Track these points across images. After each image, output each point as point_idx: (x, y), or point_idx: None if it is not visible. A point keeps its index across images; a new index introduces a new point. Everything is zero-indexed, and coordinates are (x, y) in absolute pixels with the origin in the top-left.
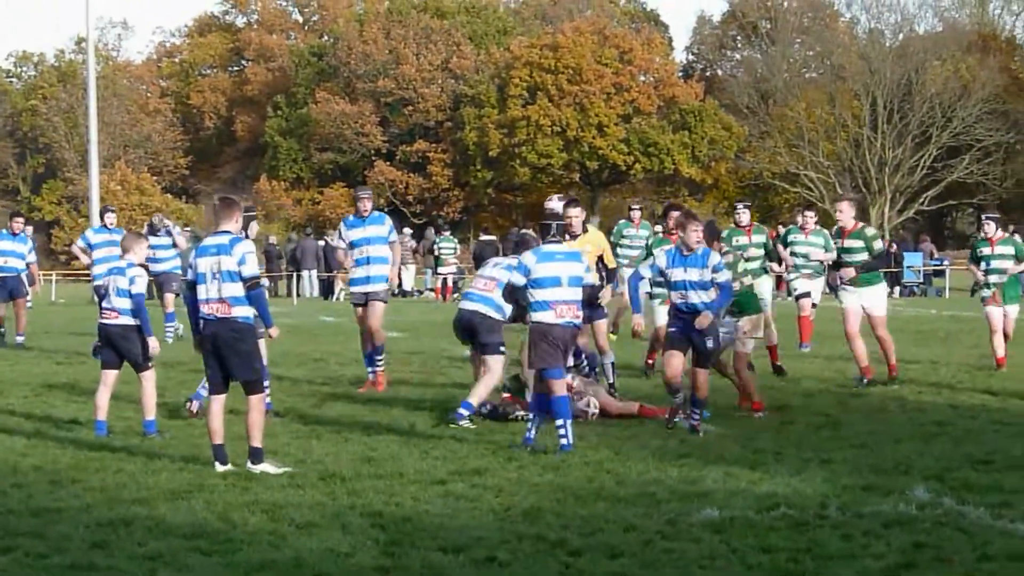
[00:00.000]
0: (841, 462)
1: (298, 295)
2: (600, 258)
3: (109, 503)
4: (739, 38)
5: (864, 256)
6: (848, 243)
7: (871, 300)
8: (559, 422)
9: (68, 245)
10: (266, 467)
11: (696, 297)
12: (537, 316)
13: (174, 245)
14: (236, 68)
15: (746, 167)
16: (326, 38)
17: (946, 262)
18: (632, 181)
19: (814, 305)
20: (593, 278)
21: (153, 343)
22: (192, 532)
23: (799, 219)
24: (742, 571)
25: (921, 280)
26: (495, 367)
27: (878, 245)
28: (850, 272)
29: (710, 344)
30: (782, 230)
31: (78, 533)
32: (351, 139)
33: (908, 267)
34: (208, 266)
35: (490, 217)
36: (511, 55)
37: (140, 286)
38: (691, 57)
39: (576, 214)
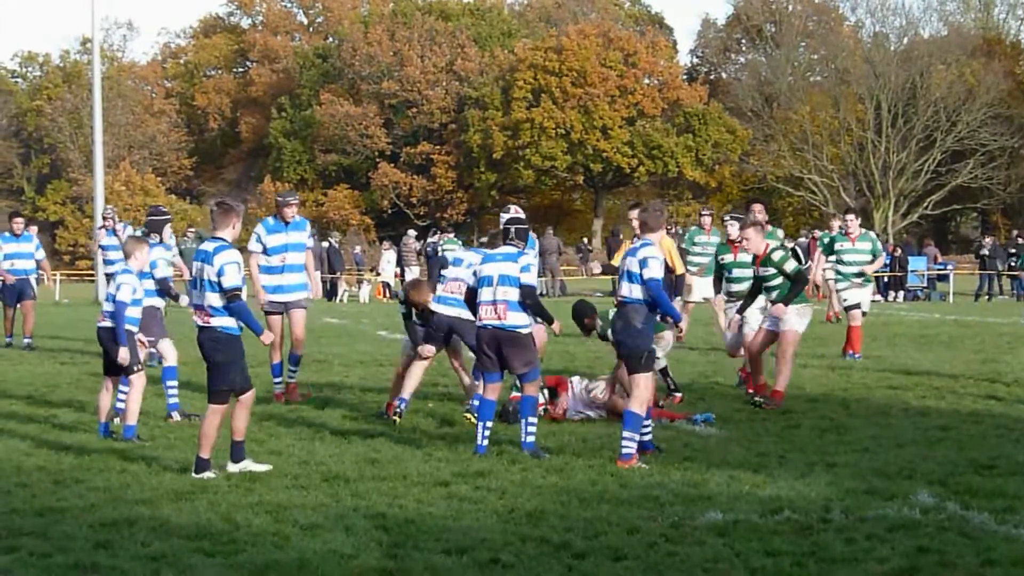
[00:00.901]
0: (845, 466)
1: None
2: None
3: (113, 503)
4: (743, 41)
5: (779, 281)
6: (761, 271)
7: (790, 317)
8: (531, 416)
9: (72, 246)
10: (207, 474)
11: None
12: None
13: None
14: (241, 69)
15: (750, 170)
16: (331, 40)
17: (950, 266)
18: (636, 184)
19: (864, 314)
20: (531, 279)
21: (122, 353)
22: (196, 533)
23: (839, 224)
24: (746, 575)
25: (925, 284)
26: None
27: (790, 266)
28: (781, 309)
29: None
30: (818, 234)
31: (81, 533)
32: (355, 141)
33: (912, 271)
34: (196, 272)
35: (494, 219)
36: (515, 57)
37: (123, 293)
38: (695, 60)
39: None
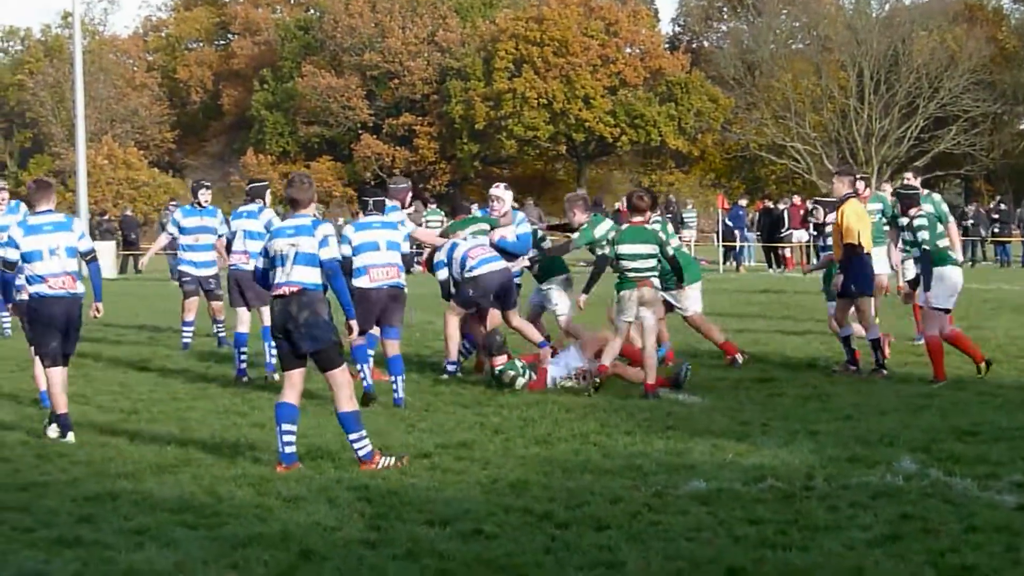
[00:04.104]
0: (828, 434)
1: None
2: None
3: (96, 477)
4: (725, 9)
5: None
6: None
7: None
8: (399, 376)
9: None
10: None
11: None
12: (356, 282)
13: None
14: (222, 42)
15: (732, 139)
16: (312, 12)
17: None
18: (619, 153)
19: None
20: (405, 247)
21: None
22: (179, 506)
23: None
24: (729, 543)
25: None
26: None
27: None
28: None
29: None
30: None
31: (64, 507)
32: (337, 112)
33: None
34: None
35: (477, 190)
36: (497, 28)
37: None
38: (677, 29)
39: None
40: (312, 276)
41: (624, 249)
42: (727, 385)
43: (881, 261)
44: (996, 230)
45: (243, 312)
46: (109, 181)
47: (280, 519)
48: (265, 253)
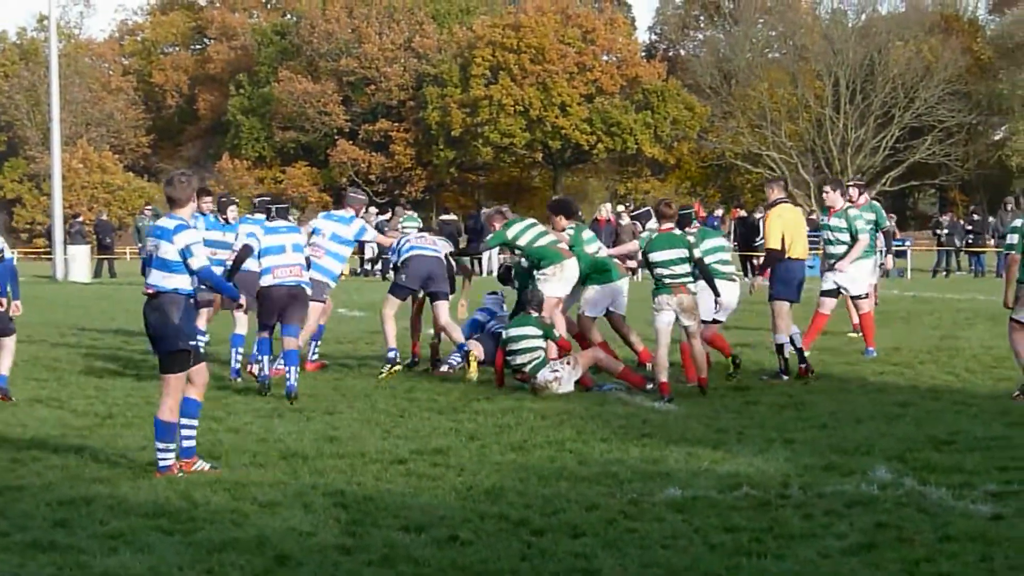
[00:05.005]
0: (803, 442)
1: None
2: None
3: (71, 481)
4: (702, 18)
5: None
6: None
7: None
8: (290, 368)
9: (30, 223)
10: None
11: None
12: (262, 280)
13: None
14: (198, 46)
15: (708, 147)
16: (289, 17)
17: (908, 243)
18: (595, 161)
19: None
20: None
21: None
22: (154, 511)
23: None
24: (704, 551)
25: (883, 261)
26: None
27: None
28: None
29: None
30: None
31: (39, 511)
32: (314, 118)
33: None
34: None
35: (452, 196)
36: (474, 34)
37: None
38: (654, 37)
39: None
40: (165, 280)
41: (656, 256)
42: (704, 393)
43: (869, 271)
44: (970, 240)
45: (241, 316)
46: (84, 185)
47: (255, 524)
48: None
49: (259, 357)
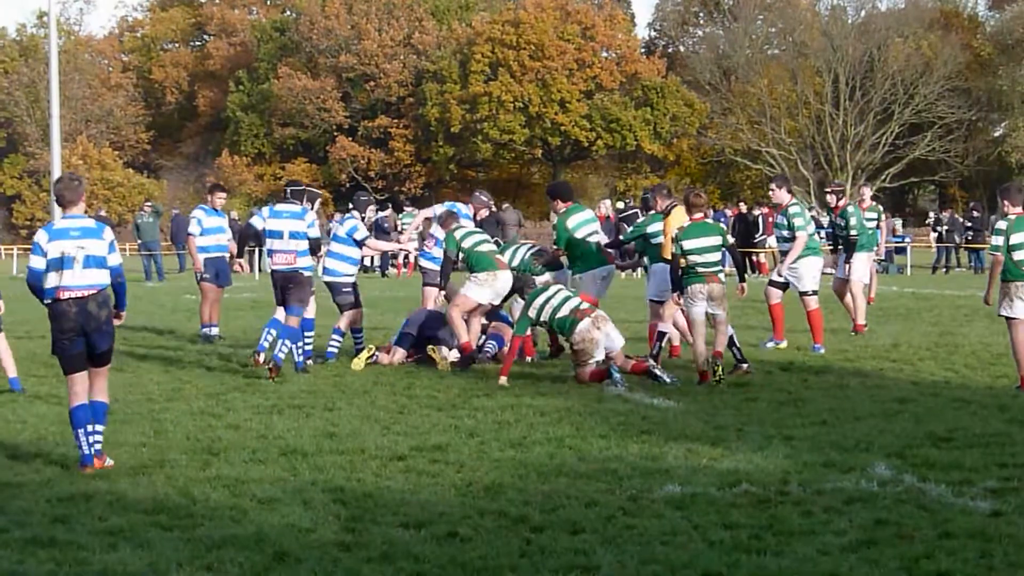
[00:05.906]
0: (803, 439)
1: (260, 270)
2: None
3: (70, 478)
4: (701, 14)
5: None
6: None
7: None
8: (293, 345)
9: (29, 220)
10: None
11: None
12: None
13: None
14: (198, 43)
15: (708, 144)
16: (288, 13)
17: (907, 239)
18: (594, 157)
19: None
20: (315, 232)
21: None
22: (153, 507)
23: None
24: (704, 547)
25: (883, 257)
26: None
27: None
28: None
29: None
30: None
31: (38, 508)
32: (313, 114)
33: None
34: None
35: (452, 193)
36: (473, 31)
37: None
38: (653, 33)
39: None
40: (103, 277)
41: (689, 244)
42: (702, 389)
43: (865, 266)
44: (970, 237)
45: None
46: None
47: (254, 521)
48: (43, 253)
49: (269, 331)
